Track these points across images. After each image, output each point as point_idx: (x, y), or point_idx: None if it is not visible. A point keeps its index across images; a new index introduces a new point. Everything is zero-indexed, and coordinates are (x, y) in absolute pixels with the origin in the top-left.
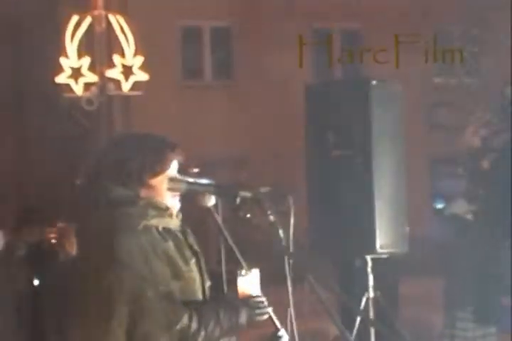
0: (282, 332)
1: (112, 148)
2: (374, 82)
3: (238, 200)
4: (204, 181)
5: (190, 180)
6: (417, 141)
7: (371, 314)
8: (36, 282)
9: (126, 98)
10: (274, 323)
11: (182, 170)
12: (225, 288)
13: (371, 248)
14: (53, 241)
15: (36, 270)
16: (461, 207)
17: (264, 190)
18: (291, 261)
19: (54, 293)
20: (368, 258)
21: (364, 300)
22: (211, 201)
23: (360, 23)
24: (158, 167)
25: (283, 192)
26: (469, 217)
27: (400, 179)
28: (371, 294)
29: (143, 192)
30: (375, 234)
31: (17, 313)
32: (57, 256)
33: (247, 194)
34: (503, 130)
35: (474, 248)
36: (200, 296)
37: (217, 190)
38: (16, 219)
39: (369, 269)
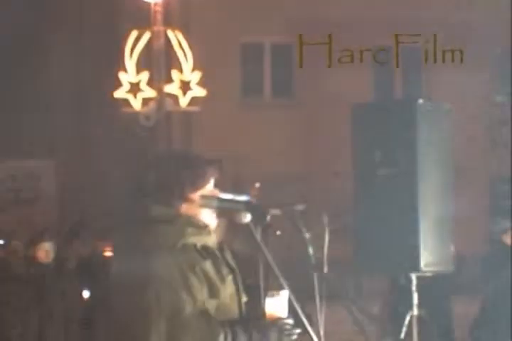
0: None
1: (153, 167)
2: (421, 101)
3: (268, 218)
4: (235, 198)
5: (222, 197)
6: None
7: (414, 332)
8: (87, 295)
9: (186, 114)
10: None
11: (242, 184)
12: (263, 303)
13: (416, 266)
14: (106, 254)
15: (87, 283)
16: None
17: (299, 207)
18: (322, 279)
19: (106, 306)
20: (413, 276)
21: (408, 318)
22: (247, 218)
23: None
24: (199, 181)
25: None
26: None
27: (446, 198)
28: (415, 312)
29: (183, 208)
30: (420, 252)
31: (67, 326)
32: (110, 269)
33: (278, 212)
34: None
35: None
36: (236, 313)
37: (248, 207)
38: (67, 232)
39: (413, 287)
